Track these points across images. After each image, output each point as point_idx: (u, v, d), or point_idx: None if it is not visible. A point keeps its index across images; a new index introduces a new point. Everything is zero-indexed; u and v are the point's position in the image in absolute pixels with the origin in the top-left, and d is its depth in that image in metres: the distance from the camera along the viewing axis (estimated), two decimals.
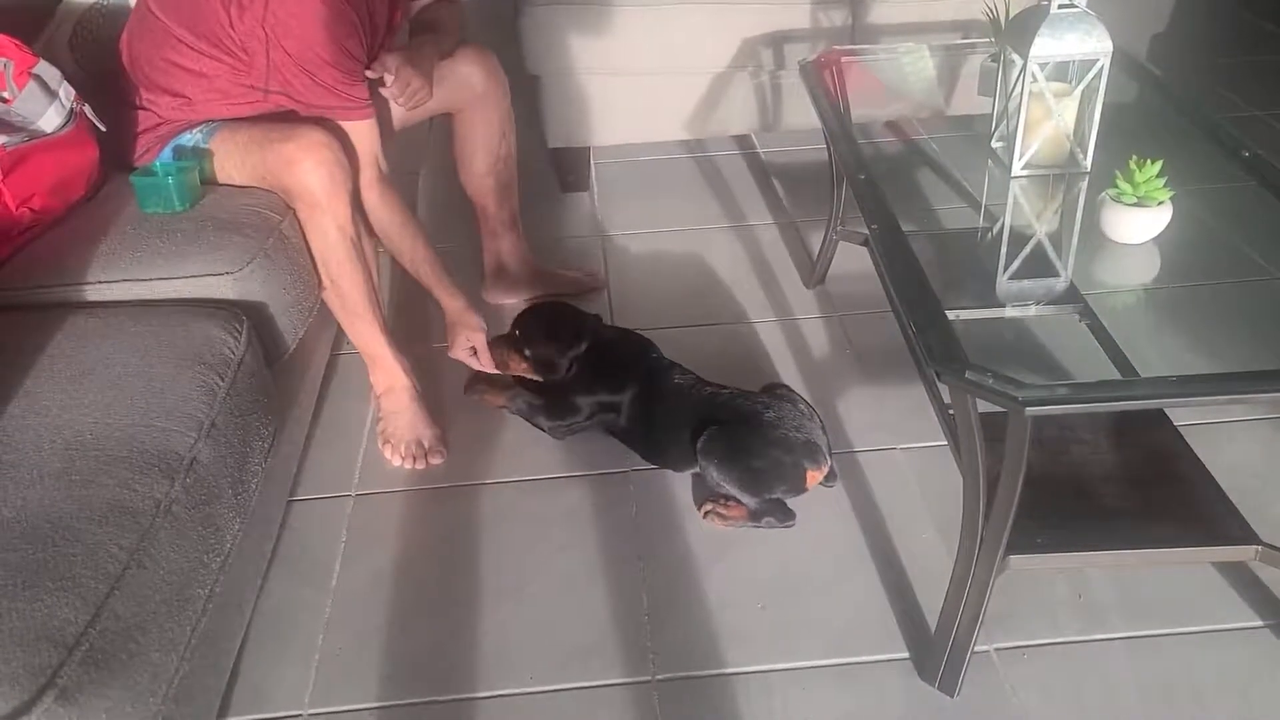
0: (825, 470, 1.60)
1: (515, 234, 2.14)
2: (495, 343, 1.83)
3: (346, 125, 1.63)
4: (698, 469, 1.63)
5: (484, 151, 2.00)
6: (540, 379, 1.79)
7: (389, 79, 1.67)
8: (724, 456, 1.57)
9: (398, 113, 1.87)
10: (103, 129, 1.60)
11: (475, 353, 1.83)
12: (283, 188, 1.59)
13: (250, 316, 1.45)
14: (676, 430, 1.65)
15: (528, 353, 1.79)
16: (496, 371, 1.84)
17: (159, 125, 1.65)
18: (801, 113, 2.37)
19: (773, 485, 1.57)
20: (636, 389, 1.72)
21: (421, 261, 1.77)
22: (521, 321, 1.83)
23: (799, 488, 1.58)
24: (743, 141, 2.84)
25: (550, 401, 1.78)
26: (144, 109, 1.65)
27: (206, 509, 1.18)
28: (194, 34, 1.57)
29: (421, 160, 2.75)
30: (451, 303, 1.81)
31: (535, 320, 1.82)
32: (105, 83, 1.68)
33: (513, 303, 2.16)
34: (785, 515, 1.58)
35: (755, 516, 1.57)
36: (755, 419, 1.60)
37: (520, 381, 1.84)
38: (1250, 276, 1.51)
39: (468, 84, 1.91)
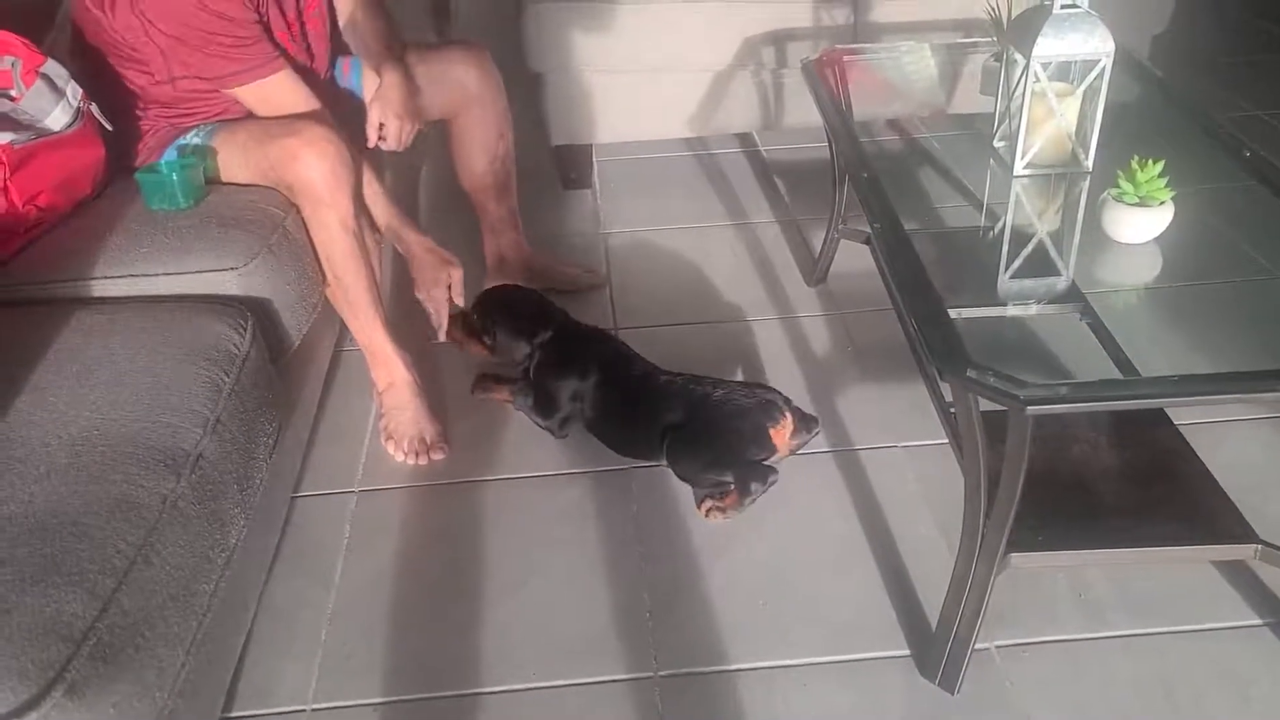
0: (789, 422, 1.61)
1: (515, 230, 2.14)
2: (453, 322, 1.83)
3: (265, 85, 1.58)
4: (664, 462, 1.65)
5: (481, 152, 2.01)
6: (496, 358, 1.82)
7: (386, 136, 1.73)
8: (686, 453, 1.60)
9: None
10: (109, 128, 1.61)
11: (450, 289, 1.79)
12: (285, 183, 1.59)
13: (255, 312, 1.45)
14: (637, 420, 1.67)
15: (487, 340, 1.81)
16: (462, 312, 1.84)
17: (148, 133, 1.67)
18: (803, 111, 2.37)
19: (741, 453, 1.58)
20: (598, 376, 1.73)
21: (379, 203, 1.75)
22: (482, 303, 1.84)
23: (768, 446, 1.59)
24: (745, 140, 2.84)
25: (538, 399, 1.78)
26: (137, 114, 1.67)
27: (212, 505, 1.19)
28: (105, 54, 1.58)
29: (423, 154, 2.75)
30: (419, 238, 1.78)
31: (496, 303, 1.84)
32: (110, 82, 1.68)
33: None
34: (764, 474, 1.58)
35: (742, 494, 1.58)
36: (704, 401, 1.63)
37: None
38: (1251, 276, 1.51)
39: (461, 86, 1.92)
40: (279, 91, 1.61)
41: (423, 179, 2.70)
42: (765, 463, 1.60)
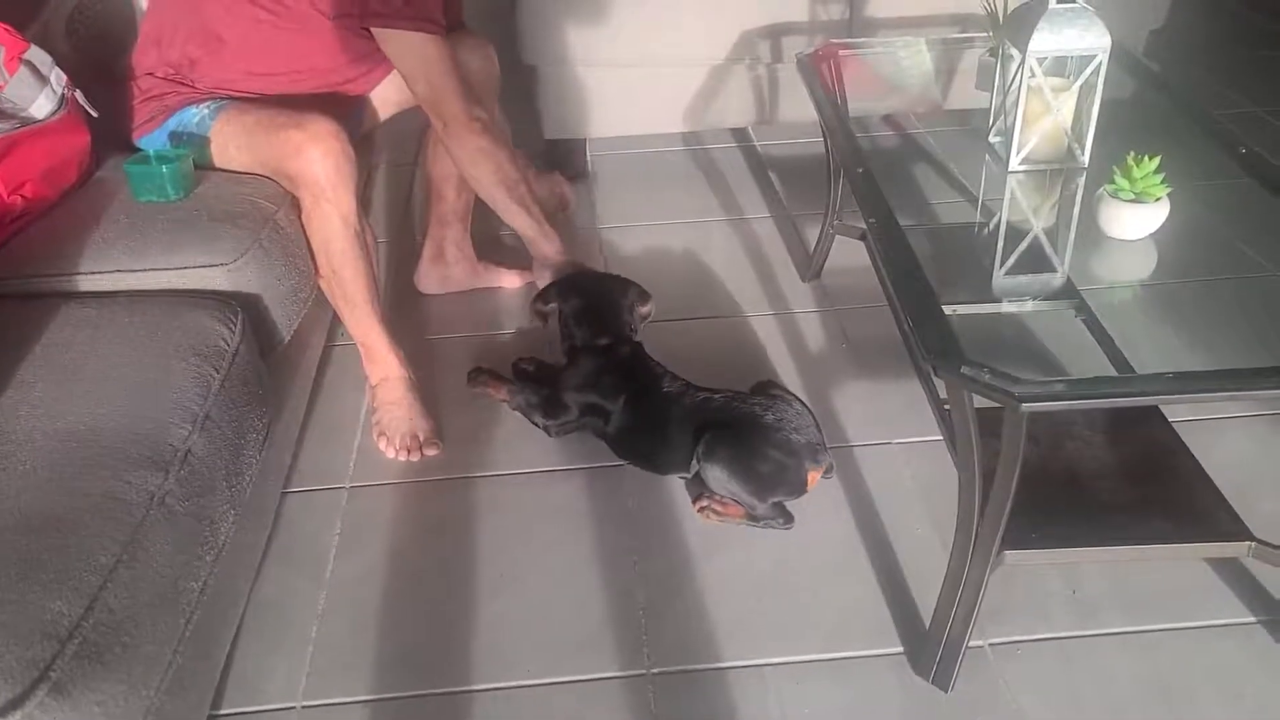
0: (825, 468, 1.60)
1: (463, 226, 2.12)
2: (478, 372, 1.88)
3: (414, 43, 1.61)
4: (687, 473, 1.62)
5: None
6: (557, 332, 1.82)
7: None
8: (729, 461, 1.54)
9: (390, 99, 1.86)
10: (94, 115, 1.59)
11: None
12: (287, 175, 1.58)
13: (245, 308, 1.44)
14: (670, 437, 1.62)
15: (569, 326, 1.79)
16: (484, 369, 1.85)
17: (166, 94, 1.64)
18: (799, 106, 2.36)
19: (777, 488, 1.55)
20: (627, 396, 1.69)
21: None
22: (564, 283, 1.83)
23: (801, 489, 1.57)
24: (739, 134, 2.83)
25: (545, 399, 1.77)
26: (155, 76, 1.64)
27: (200, 501, 1.18)
28: None
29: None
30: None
31: (576, 287, 1.82)
32: (104, 67, 1.66)
33: (443, 293, 2.17)
34: (786, 519, 1.57)
35: (755, 518, 1.57)
36: (755, 422, 1.58)
37: (521, 375, 1.84)
38: (1246, 273, 1.51)
39: (465, 73, 1.90)
40: (425, 46, 1.62)
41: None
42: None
